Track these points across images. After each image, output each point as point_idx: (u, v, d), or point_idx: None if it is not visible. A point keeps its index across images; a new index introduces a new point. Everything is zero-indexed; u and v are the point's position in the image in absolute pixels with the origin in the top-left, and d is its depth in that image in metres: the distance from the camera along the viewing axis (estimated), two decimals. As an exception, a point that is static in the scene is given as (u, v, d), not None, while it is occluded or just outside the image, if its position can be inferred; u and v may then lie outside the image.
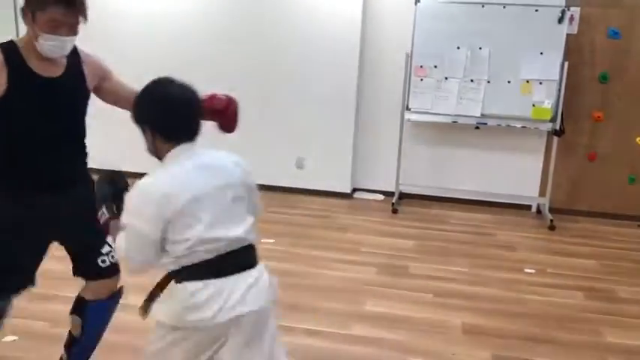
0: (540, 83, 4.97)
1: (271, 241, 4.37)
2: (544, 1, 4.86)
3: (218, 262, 1.74)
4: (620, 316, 3.44)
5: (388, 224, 4.98)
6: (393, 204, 5.35)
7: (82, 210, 2.15)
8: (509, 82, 5.02)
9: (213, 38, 5.53)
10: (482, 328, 3.23)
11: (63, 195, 2.16)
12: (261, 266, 1.86)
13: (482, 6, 4.95)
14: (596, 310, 3.53)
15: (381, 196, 5.69)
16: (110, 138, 4.74)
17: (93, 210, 1.99)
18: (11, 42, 2.05)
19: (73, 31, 2.03)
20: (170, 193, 1.70)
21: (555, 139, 5.14)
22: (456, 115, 5.15)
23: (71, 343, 2.39)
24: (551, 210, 5.27)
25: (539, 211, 5.49)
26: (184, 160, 1.77)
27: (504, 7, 4.92)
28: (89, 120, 2.27)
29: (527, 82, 4.99)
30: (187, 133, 1.80)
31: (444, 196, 5.57)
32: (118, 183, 1.93)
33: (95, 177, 2.14)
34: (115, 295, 2.38)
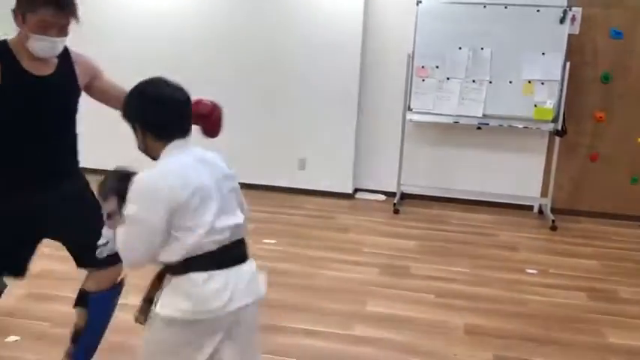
0: (542, 83, 4.97)
1: (273, 241, 4.37)
2: (546, 1, 4.86)
3: (220, 254, 1.76)
4: (622, 317, 3.44)
5: (390, 224, 4.98)
6: (394, 204, 5.35)
7: (74, 206, 2.18)
8: (510, 82, 5.01)
9: (214, 38, 5.53)
10: (483, 328, 3.22)
11: (53, 192, 2.18)
12: (252, 260, 1.90)
13: (484, 6, 4.95)
14: (598, 310, 3.52)
15: (382, 197, 5.69)
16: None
17: (85, 206, 2.00)
18: (4, 41, 2.09)
19: (64, 32, 2.06)
20: (173, 185, 1.70)
21: (557, 139, 5.14)
22: (457, 116, 5.14)
23: (77, 336, 2.41)
24: (552, 210, 5.26)
25: (540, 212, 5.49)
26: (181, 154, 1.79)
27: (506, 7, 4.91)
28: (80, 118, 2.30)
29: (529, 82, 4.98)
30: (177, 131, 1.82)
31: (445, 196, 5.57)
32: (126, 179, 1.93)
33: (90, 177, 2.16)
34: (117, 286, 2.40)
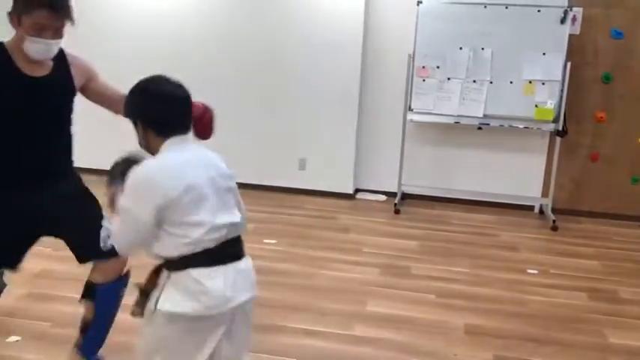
0: (543, 84, 4.97)
1: (273, 241, 4.37)
2: (546, 1, 4.86)
3: (218, 251, 1.78)
4: (623, 317, 3.43)
5: (390, 225, 4.98)
6: (395, 204, 5.34)
7: (71, 206, 2.20)
8: (511, 82, 5.01)
9: (214, 38, 5.53)
10: (484, 328, 3.22)
11: (49, 192, 2.20)
12: (248, 257, 1.92)
13: (485, 7, 4.95)
14: (598, 310, 3.52)
15: (383, 197, 5.68)
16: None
17: (81, 204, 2.01)
18: (0, 43, 2.12)
19: (59, 34, 2.09)
20: (167, 179, 1.73)
21: (558, 139, 5.13)
22: (458, 116, 5.14)
23: (86, 328, 2.42)
24: (553, 210, 5.26)
25: (541, 212, 5.48)
26: (179, 150, 1.81)
27: (507, 7, 4.91)
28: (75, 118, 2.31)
29: (530, 82, 4.98)
30: (178, 128, 1.84)
31: (446, 196, 5.56)
32: (134, 165, 1.94)
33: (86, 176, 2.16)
34: (123, 277, 2.42)
